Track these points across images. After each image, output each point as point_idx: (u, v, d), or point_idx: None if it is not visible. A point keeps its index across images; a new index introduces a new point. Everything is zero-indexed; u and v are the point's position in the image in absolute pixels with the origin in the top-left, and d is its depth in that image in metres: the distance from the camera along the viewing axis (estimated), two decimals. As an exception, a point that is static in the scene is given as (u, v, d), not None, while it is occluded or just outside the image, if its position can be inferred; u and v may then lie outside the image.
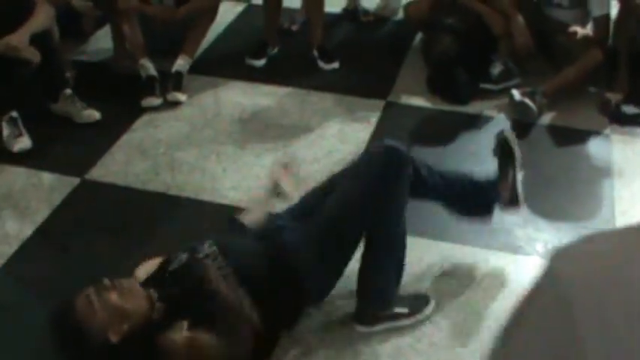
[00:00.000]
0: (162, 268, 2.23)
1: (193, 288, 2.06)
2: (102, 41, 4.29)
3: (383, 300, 2.39)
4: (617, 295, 0.50)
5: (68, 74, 3.68)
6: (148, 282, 2.19)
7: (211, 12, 3.98)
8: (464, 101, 3.73)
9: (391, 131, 3.45)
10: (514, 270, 2.66)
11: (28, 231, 2.86)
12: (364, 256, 2.33)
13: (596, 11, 3.64)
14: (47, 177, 3.18)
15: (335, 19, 4.58)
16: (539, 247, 2.78)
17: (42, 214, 2.96)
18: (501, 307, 2.47)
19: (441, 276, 2.64)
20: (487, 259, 2.71)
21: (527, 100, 3.52)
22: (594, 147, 3.42)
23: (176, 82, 3.78)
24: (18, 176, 3.19)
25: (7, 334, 2.42)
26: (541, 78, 3.72)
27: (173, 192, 3.10)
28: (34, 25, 3.26)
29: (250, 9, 4.80)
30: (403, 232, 2.33)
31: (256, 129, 3.53)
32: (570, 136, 3.50)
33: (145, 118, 3.61)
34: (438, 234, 2.80)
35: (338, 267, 2.30)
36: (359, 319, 2.41)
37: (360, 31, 4.55)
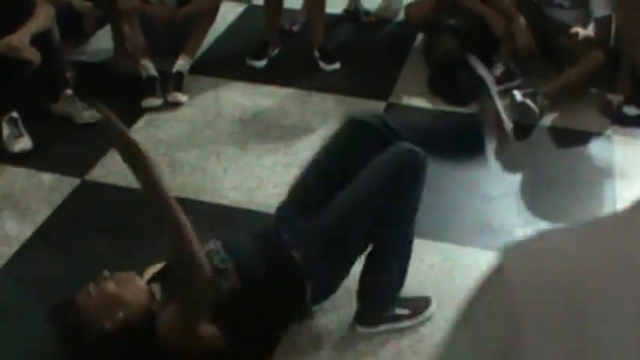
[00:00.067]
0: (167, 265, 2.27)
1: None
2: (102, 41, 4.28)
3: (385, 301, 2.38)
4: (560, 291, 0.50)
5: (68, 74, 3.67)
6: (155, 278, 2.23)
7: (212, 12, 3.97)
8: (465, 102, 3.72)
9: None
10: (515, 271, 2.65)
11: (28, 231, 2.86)
12: (369, 257, 2.30)
13: (598, 12, 3.64)
14: (47, 177, 3.18)
15: (336, 19, 4.58)
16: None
17: (42, 214, 2.95)
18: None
19: (442, 277, 2.63)
20: (487, 259, 2.70)
21: (528, 101, 3.51)
22: (596, 148, 3.42)
23: (177, 82, 3.78)
24: (18, 176, 3.18)
25: (7, 335, 2.41)
26: (542, 79, 3.71)
27: (173, 192, 3.07)
28: (34, 25, 3.26)
29: (251, 9, 4.80)
30: (412, 235, 2.30)
31: (257, 130, 3.53)
32: (572, 137, 3.49)
33: (145, 118, 3.61)
34: (438, 235, 2.79)
35: (344, 267, 2.26)
36: (360, 319, 2.40)
37: (362, 32, 4.55)
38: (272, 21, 4.17)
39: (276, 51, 4.20)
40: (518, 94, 3.56)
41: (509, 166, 3.28)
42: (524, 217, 2.81)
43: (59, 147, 3.39)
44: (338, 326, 2.43)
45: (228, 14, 4.62)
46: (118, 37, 3.99)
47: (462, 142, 2.53)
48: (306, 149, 3.34)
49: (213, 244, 2.20)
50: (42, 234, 2.85)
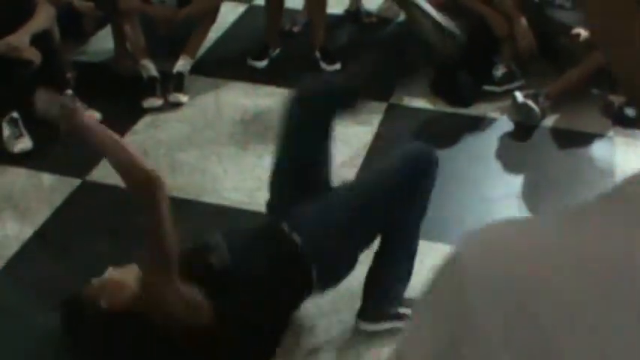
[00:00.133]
0: None
1: None
2: (103, 42, 4.28)
3: (390, 298, 2.40)
4: (511, 281, 0.49)
5: (69, 75, 3.66)
6: None
7: (213, 13, 3.97)
8: (467, 103, 3.72)
9: (394, 133, 3.43)
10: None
11: (28, 232, 2.85)
12: (378, 252, 2.35)
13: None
14: (48, 178, 3.17)
15: (337, 20, 4.57)
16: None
17: (42, 215, 2.94)
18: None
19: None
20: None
21: (530, 103, 3.51)
22: (597, 149, 3.41)
23: (177, 82, 3.77)
24: (18, 177, 3.18)
25: (7, 335, 2.41)
26: (544, 80, 3.71)
27: (174, 193, 3.07)
28: (34, 25, 3.25)
29: (252, 10, 4.79)
30: (419, 233, 2.35)
31: (258, 130, 3.52)
32: (573, 139, 3.48)
33: (146, 119, 3.60)
34: (437, 236, 2.78)
35: (350, 250, 2.28)
36: (364, 316, 2.41)
37: (363, 32, 4.54)
38: (273, 21, 4.17)
39: (277, 51, 4.19)
40: (519, 96, 3.55)
41: (511, 166, 3.27)
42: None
43: (59, 147, 3.38)
44: (339, 327, 2.42)
45: (228, 15, 4.61)
46: (119, 37, 3.99)
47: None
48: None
49: (214, 238, 2.22)
50: (42, 234, 2.85)
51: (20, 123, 3.34)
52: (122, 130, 3.48)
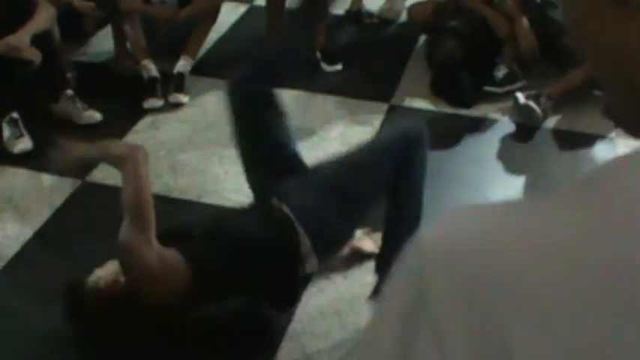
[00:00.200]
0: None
1: None
2: (103, 42, 4.27)
3: None
4: (471, 267, 0.49)
5: (69, 75, 3.66)
6: None
7: (213, 13, 3.97)
8: (468, 104, 3.71)
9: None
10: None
11: (28, 232, 2.84)
12: (386, 225, 2.42)
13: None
14: (48, 178, 3.16)
15: (338, 21, 4.56)
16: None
17: (43, 215, 2.93)
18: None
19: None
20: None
21: (531, 104, 3.50)
22: (599, 151, 3.40)
23: (178, 83, 3.77)
24: (19, 177, 3.17)
25: (7, 335, 2.40)
26: (546, 81, 3.70)
27: (175, 194, 3.07)
28: (34, 25, 3.25)
29: (253, 10, 4.79)
30: (423, 202, 2.41)
31: (258, 131, 3.51)
32: (575, 140, 3.48)
33: (146, 119, 3.59)
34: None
35: (344, 217, 2.32)
36: (378, 294, 2.43)
37: (364, 33, 4.53)
38: (274, 22, 4.16)
39: (278, 52, 4.18)
40: (521, 97, 3.54)
41: (512, 168, 3.27)
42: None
43: (59, 148, 3.37)
44: (339, 328, 2.41)
45: (229, 15, 4.61)
46: (119, 37, 3.98)
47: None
48: (307, 151, 3.33)
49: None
50: (42, 235, 2.84)
51: (20, 123, 3.33)
52: (122, 131, 3.48)
